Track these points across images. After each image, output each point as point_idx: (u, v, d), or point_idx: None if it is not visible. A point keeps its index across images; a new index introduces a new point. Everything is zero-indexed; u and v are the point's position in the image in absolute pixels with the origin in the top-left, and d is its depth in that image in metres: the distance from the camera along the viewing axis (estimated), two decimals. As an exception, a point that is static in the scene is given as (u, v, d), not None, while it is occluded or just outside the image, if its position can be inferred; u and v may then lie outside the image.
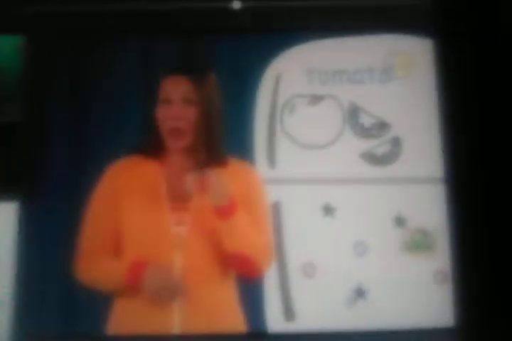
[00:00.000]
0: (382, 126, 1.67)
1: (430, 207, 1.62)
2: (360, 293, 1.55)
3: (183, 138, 1.49)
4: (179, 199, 1.45)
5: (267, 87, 1.65)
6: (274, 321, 1.52)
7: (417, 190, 1.62)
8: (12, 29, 1.64)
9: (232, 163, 1.54)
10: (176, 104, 1.50)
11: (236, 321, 1.47)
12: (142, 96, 1.59)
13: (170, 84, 1.51)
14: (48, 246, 1.54)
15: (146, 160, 1.51)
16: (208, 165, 1.49)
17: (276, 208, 1.58)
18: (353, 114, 1.66)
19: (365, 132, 1.66)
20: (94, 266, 1.45)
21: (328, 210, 1.59)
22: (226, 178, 1.47)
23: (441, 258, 1.60)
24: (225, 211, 1.40)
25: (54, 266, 1.52)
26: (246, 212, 1.47)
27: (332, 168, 1.62)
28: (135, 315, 1.43)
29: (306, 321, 1.52)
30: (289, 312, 1.52)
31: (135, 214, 1.45)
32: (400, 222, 1.60)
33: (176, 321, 1.39)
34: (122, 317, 1.45)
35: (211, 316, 1.42)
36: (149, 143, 1.54)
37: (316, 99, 1.67)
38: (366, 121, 1.66)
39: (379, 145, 1.66)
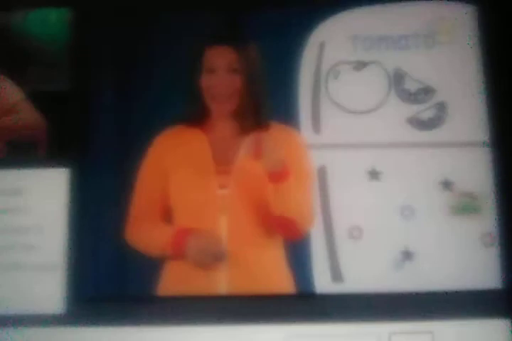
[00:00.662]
0: (427, 91, 1.67)
1: (476, 171, 1.62)
2: (407, 255, 1.56)
3: (228, 104, 1.52)
4: (224, 162, 1.49)
5: (311, 54, 1.67)
6: (322, 282, 1.54)
7: (463, 153, 1.62)
8: (59, 2, 1.70)
9: (278, 128, 1.56)
10: (221, 72, 1.53)
11: (284, 282, 1.50)
12: (187, 66, 1.62)
13: (214, 54, 1.54)
14: (98, 211, 1.58)
15: (191, 127, 1.54)
16: (253, 129, 1.53)
17: (322, 173, 1.60)
18: (398, 79, 1.66)
19: (410, 97, 1.66)
20: (143, 232, 1.50)
21: (374, 174, 1.60)
22: (277, 144, 1.49)
23: (488, 221, 1.60)
24: (279, 176, 1.43)
25: (105, 230, 1.56)
26: (292, 175, 1.49)
27: (378, 133, 1.63)
28: (183, 277, 1.47)
29: (353, 283, 1.55)
30: (336, 274, 1.54)
31: (182, 180, 1.49)
32: (446, 185, 1.61)
33: (222, 282, 1.43)
34: (171, 279, 1.49)
35: (258, 277, 1.45)
36: (194, 111, 1.57)
37: (360, 65, 1.68)
38: (411, 86, 1.66)
39: (424, 110, 1.66)
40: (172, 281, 1.49)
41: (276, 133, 1.52)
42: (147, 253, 1.50)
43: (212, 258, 1.42)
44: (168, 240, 1.45)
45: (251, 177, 1.43)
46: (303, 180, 1.50)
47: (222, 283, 1.43)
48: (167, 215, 1.53)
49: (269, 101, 1.58)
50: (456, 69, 1.67)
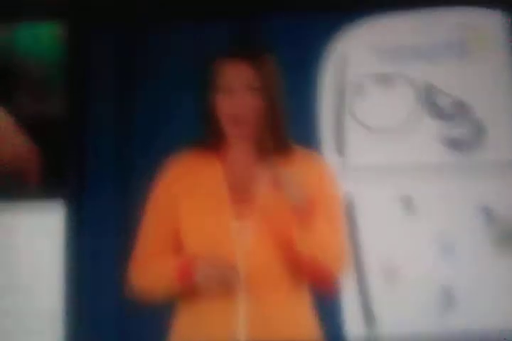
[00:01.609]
0: (461, 106, 1.51)
1: (520, 195, 1.46)
2: (449, 296, 1.39)
3: (246, 126, 1.34)
4: (241, 191, 1.31)
5: (332, 68, 1.51)
6: (354, 330, 1.37)
7: (505, 176, 1.46)
8: (50, 15, 1.54)
9: (299, 153, 1.38)
10: (239, 91, 1.35)
11: (309, 331, 1.32)
12: (196, 84, 1.46)
13: (231, 71, 1.36)
14: (99, 252, 1.43)
15: (204, 153, 1.37)
16: (274, 154, 1.35)
17: (348, 200, 1.43)
18: (427, 94, 1.50)
19: (443, 114, 1.50)
20: (151, 268, 1.33)
21: (407, 202, 1.44)
22: (299, 174, 1.31)
23: (537, 252, 1.44)
24: (304, 211, 1.25)
25: (108, 276, 1.42)
26: (318, 204, 1.31)
27: (409, 155, 1.47)
28: (196, 325, 1.30)
29: (389, 330, 1.38)
30: (370, 321, 1.37)
31: (194, 211, 1.33)
32: (487, 213, 1.44)
33: (240, 330, 1.25)
34: (183, 329, 1.32)
35: (280, 325, 1.27)
36: (207, 135, 1.40)
37: (386, 78, 1.52)
38: (443, 101, 1.50)
39: (459, 128, 1.50)
40: (184, 330, 1.32)
41: (298, 160, 1.35)
42: (155, 294, 1.34)
43: (224, 283, 1.26)
44: (176, 269, 1.30)
45: (273, 210, 1.27)
46: (332, 216, 1.33)
47: (240, 330, 1.26)
48: (177, 250, 1.38)
49: (288, 122, 1.41)
50: (490, 81, 1.51)
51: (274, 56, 1.43)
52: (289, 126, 1.41)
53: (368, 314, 1.36)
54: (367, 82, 1.50)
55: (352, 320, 1.37)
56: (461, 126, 1.49)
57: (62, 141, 1.48)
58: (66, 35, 1.53)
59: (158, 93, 1.49)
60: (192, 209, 1.32)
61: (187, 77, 1.47)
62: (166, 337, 1.32)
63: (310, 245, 1.25)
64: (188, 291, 1.29)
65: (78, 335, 1.38)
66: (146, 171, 1.41)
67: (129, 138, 1.47)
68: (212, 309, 1.27)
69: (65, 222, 1.43)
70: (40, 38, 1.54)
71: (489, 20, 1.55)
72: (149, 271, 1.33)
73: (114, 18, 1.53)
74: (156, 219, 1.36)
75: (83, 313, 1.41)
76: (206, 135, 1.38)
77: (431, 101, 1.50)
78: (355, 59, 1.51)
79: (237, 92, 1.34)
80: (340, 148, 1.46)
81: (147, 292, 1.32)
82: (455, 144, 1.48)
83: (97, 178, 1.46)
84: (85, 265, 1.43)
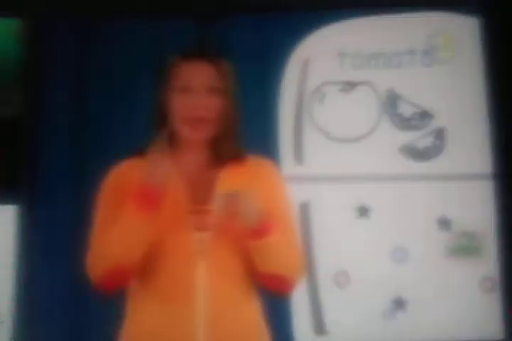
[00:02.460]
0: (424, 115, 1.48)
1: (477, 207, 1.45)
2: (400, 303, 1.40)
3: (204, 130, 1.29)
4: (200, 201, 1.28)
5: (293, 74, 1.47)
6: (304, 336, 1.38)
7: (463, 187, 1.45)
8: (8, 11, 1.49)
9: (251, 161, 1.35)
10: (199, 92, 1.30)
11: (260, 337, 1.32)
12: (154, 83, 1.41)
13: (190, 70, 1.31)
14: (52, 254, 1.41)
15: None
16: (228, 161, 1.31)
17: (305, 209, 1.42)
18: (391, 102, 1.48)
19: (404, 123, 1.47)
20: (106, 238, 1.28)
21: (363, 211, 1.43)
22: (257, 196, 1.28)
23: (488, 264, 1.43)
24: (259, 233, 1.23)
25: (60, 274, 1.40)
26: (271, 217, 1.29)
27: (368, 164, 1.45)
28: (150, 326, 1.29)
29: (339, 336, 1.38)
30: (319, 327, 1.38)
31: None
32: (444, 224, 1.43)
33: (199, 335, 1.25)
34: (134, 330, 1.31)
35: (236, 336, 1.27)
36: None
37: (349, 85, 1.49)
38: (406, 110, 1.48)
39: (421, 138, 1.47)
40: (137, 333, 1.30)
41: (250, 169, 1.32)
42: (121, 256, 1.29)
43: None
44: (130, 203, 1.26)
45: (229, 235, 1.24)
46: (287, 227, 1.31)
47: (199, 336, 1.25)
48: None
49: (244, 128, 1.38)
50: (457, 90, 1.47)
51: (231, 59, 1.39)
52: (245, 132, 1.39)
53: (318, 321, 1.37)
54: (329, 89, 1.47)
55: (302, 328, 1.37)
56: (423, 136, 1.48)
57: (16, 144, 1.44)
58: (22, 32, 1.48)
59: (113, 93, 1.46)
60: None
61: (142, 77, 1.43)
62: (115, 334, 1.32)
63: (267, 263, 1.24)
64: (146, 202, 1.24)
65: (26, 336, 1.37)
66: (99, 174, 1.38)
67: (83, 142, 1.45)
68: (170, 310, 1.26)
69: (17, 226, 1.41)
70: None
71: (462, 26, 1.52)
72: (106, 239, 1.27)
73: (70, 15, 1.48)
74: (106, 210, 1.32)
75: (34, 316, 1.39)
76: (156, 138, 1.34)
77: (394, 110, 1.48)
78: (318, 65, 1.48)
79: (195, 92, 1.28)
80: (299, 156, 1.44)
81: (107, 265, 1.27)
82: (416, 155, 1.47)
83: (50, 183, 1.44)
84: (37, 267, 1.42)
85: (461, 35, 1.51)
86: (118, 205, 1.32)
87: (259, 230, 1.24)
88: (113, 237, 1.27)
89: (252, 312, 1.33)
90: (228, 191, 1.24)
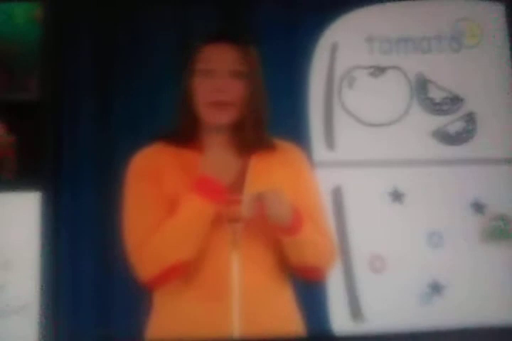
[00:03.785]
0: (454, 100, 1.48)
1: (511, 191, 1.44)
2: (436, 288, 1.38)
3: (227, 114, 1.26)
4: (230, 191, 1.25)
5: (322, 58, 1.46)
6: (340, 322, 1.35)
7: (496, 171, 1.44)
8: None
9: (279, 147, 1.32)
10: (221, 75, 1.27)
11: (293, 324, 1.29)
12: (178, 67, 1.38)
13: (213, 52, 1.28)
14: (76, 241, 1.38)
15: (180, 143, 1.29)
16: (256, 148, 1.28)
17: (338, 195, 1.40)
18: (420, 87, 1.47)
19: (435, 107, 1.47)
20: (162, 234, 1.23)
21: (396, 196, 1.41)
22: (286, 194, 1.25)
23: (524, 247, 1.43)
24: (290, 230, 1.21)
25: (85, 264, 1.37)
26: (300, 208, 1.26)
27: (399, 149, 1.43)
28: (184, 316, 1.25)
29: (375, 321, 1.36)
30: (356, 312, 1.35)
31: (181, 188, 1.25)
32: (478, 207, 1.42)
33: (235, 325, 1.21)
34: (167, 320, 1.27)
35: (270, 320, 1.24)
36: (183, 123, 1.31)
37: (378, 70, 1.48)
38: (436, 94, 1.47)
39: (452, 122, 1.47)
40: (170, 323, 1.27)
41: (280, 157, 1.29)
42: (183, 250, 1.22)
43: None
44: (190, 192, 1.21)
45: (261, 227, 1.22)
46: (318, 215, 1.29)
47: (234, 326, 1.22)
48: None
49: (272, 113, 1.36)
50: (486, 74, 1.48)
51: (258, 45, 1.37)
52: (275, 118, 1.37)
53: (355, 306, 1.34)
54: (358, 73, 1.46)
55: (338, 314, 1.34)
56: (454, 120, 1.47)
57: (39, 130, 1.40)
58: (42, 16, 1.45)
59: (138, 80, 1.43)
60: (178, 186, 1.25)
61: (167, 63, 1.40)
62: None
63: (300, 257, 1.22)
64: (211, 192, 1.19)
65: (54, 327, 1.33)
66: (124, 160, 1.34)
67: (107, 127, 1.41)
68: (205, 300, 1.22)
69: (40, 214, 1.37)
70: (15, 20, 1.46)
71: (488, 13, 1.52)
72: (163, 234, 1.22)
73: (92, 1, 1.46)
74: (144, 197, 1.28)
75: (60, 306, 1.35)
76: (182, 123, 1.30)
77: (424, 95, 1.47)
78: (347, 49, 1.47)
79: (218, 75, 1.27)
80: (330, 142, 1.42)
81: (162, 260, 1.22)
82: (447, 139, 1.45)
83: (73, 168, 1.40)
84: (62, 257, 1.38)
85: (487, 21, 1.51)
86: (153, 191, 1.29)
87: (290, 229, 1.22)
88: (173, 232, 1.23)
89: (285, 300, 1.31)
90: (255, 191, 1.21)
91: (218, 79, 1.25)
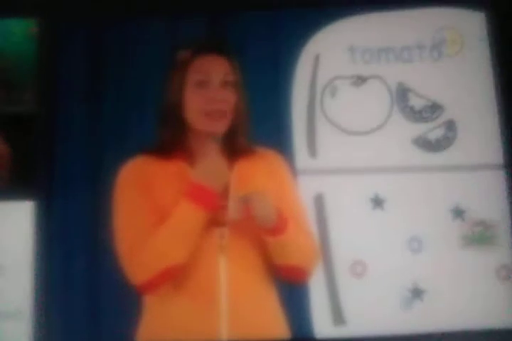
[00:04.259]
0: (434, 108, 1.51)
1: (490, 197, 1.46)
2: (416, 292, 1.41)
3: (222, 122, 1.32)
4: (221, 195, 1.29)
5: (305, 69, 1.50)
6: (322, 326, 1.38)
7: (476, 177, 1.46)
8: (23, 11, 1.52)
9: (260, 153, 1.37)
10: (215, 85, 1.32)
11: (279, 327, 1.33)
12: (168, 79, 1.43)
13: (206, 64, 1.33)
14: (69, 248, 1.43)
15: (166, 154, 1.33)
16: (240, 154, 1.33)
17: (320, 201, 1.44)
18: (401, 95, 1.50)
19: (416, 115, 1.50)
20: (155, 239, 1.27)
21: (377, 202, 1.44)
22: (270, 196, 1.29)
23: (504, 253, 1.44)
24: (275, 231, 1.25)
25: (77, 271, 1.42)
26: (284, 210, 1.31)
27: (381, 156, 1.47)
28: (173, 320, 1.29)
29: (357, 325, 1.39)
30: (337, 316, 1.38)
31: (170, 197, 1.29)
32: (458, 213, 1.45)
33: (223, 329, 1.26)
34: (158, 325, 1.31)
35: (256, 323, 1.28)
36: (172, 133, 1.35)
37: (360, 80, 1.51)
38: (417, 103, 1.50)
39: (432, 130, 1.50)
40: (159, 327, 1.31)
41: (262, 162, 1.33)
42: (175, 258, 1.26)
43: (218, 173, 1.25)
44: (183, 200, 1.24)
45: (246, 230, 1.26)
46: (300, 218, 1.33)
47: (222, 329, 1.26)
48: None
49: (255, 122, 1.40)
50: (466, 83, 1.51)
51: (242, 56, 1.42)
52: (260, 127, 1.41)
53: (336, 310, 1.38)
54: (340, 83, 1.50)
55: (320, 318, 1.38)
56: (434, 128, 1.50)
57: (34, 141, 1.46)
58: (38, 31, 1.51)
59: (129, 91, 1.48)
60: (168, 196, 1.29)
61: (156, 73, 1.45)
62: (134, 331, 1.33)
63: (284, 256, 1.26)
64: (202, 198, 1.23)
65: (45, 333, 1.38)
66: (115, 170, 1.40)
67: (99, 137, 1.46)
68: (193, 296, 1.26)
69: (34, 222, 1.42)
70: (12, 36, 1.52)
71: (469, 21, 1.54)
72: (156, 239, 1.25)
73: (86, 15, 1.51)
74: (135, 205, 1.32)
75: (52, 311, 1.40)
76: (167, 134, 1.35)
77: (404, 103, 1.50)
78: (329, 59, 1.51)
79: (212, 86, 1.32)
80: (312, 150, 1.46)
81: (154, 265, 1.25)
82: (428, 146, 1.48)
83: (65, 178, 1.45)
84: (55, 264, 1.43)
85: (468, 29, 1.54)
86: (145, 199, 1.35)
87: (275, 229, 1.27)
88: (166, 237, 1.29)
89: (271, 303, 1.35)
90: (241, 193, 1.26)
91: (212, 89, 1.31)
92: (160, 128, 1.35)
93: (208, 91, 1.34)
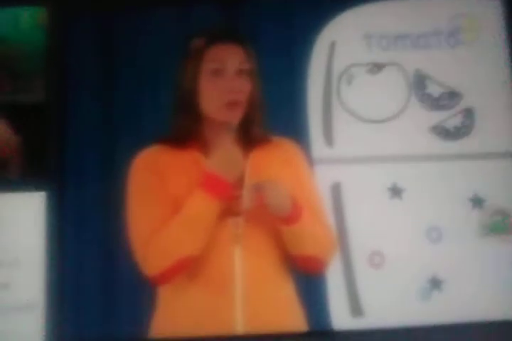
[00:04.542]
0: (452, 95, 1.49)
1: (509, 185, 1.44)
2: (435, 283, 1.38)
3: (239, 112, 1.30)
4: (233, 186, 1.26)
5: (320, 56, 1.47)
6: (340, 318, 1.36)
7: (495, 165, 1.44)
8: (31, 0, 1.49)
9: (276, 143, 1.34)
10: (231, 74, 1.30)
11: (296, 319, 1.31)
12: (183, 67, 1.40)
13: (221, 52, 1.30)
14: (81, 240, 1.40)
15: (181, 144, 1.31)
16: (256, 144, 1.31)
17: (337, 191, 1.41)
18: (419, 83, 1.48)
19: (433, 103, 1.47)
20: (169, 230, 1.25)
21: (395, 191, 1.42)
22: (285, 184, 1.27)
23: (524, 242, 1.43)
24: (289, 219, 1.23)
25: (90, 263, 1.40)
26: (300, 199, 1.28)
27: (398, 144, 1.44)
28: (188, 312, 1.27)
29: (375, 316, 1.37)
30: (355, 308, 1.36)
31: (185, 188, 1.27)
32: (477, 202, 1.42)
33: (239, 321, 1.23)
34: (171, 316, 1.29)
35: (273, 316, 1.26)
36: (186, 123, 1.33)
37: (376, 67, 1.49)
38: (434, 90, 1.47)
39: (450, 118, 1.47)
40: (174, 319, 1.29)
41: (278, 152, 1.31)
42: (190, 247, 1.24)
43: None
44: (199, 187, 1.22)
45: (262, 219, 1.24)
46: (317, 207, 1.31)
47: (238, 321, 1.24)
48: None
49: (271, 111, 1.37)
50: (484, 70, 1.49)
51: (257, 44, 1.39)
52: (275, 116, 1.39)
53: (354, 301, 1.36)
54: (356, 70, 1.47)
55: (338, 309, 1.36)
56: (452, 116, 1.47)
57: (44, 131, 1.43)
58: (47, 20, 1.48)
59: (140, 80, 1.45)
60: (182, 187, 1.27)
61: (169, 62, 1.42)
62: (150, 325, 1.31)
63: (299, 246, 1.24)
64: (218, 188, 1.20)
65: (59, 325, 1.36)
66: (128, 159, 1.37)
67: (110, 127, 1.44)
68: (209, 286, 1.24)
69: (46, 213, 1.40)
70: (20, 24, 1.50)
71: (485, 8, 1.52)
72: (170, 230, 1.23)
73: (96, 3, 1.48)
74: (149, 198, 1.30)
75: (65, 304, 1.38)
76: (182, 123, 1.33)
77: (422, 91, 1.47)
78: (345, 47, 1.48)
79: (228, 75, 1.30)
80: (329, 139, 1.43)
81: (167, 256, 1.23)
82: (446, 134, 1.46)
83: (77, 168, 1.43)
84: (67, 256, 1.41)
85: (484, 16, 1.51)
86: (155, 187, 1.33)
87: (290, 218, 1.25)
88: (180, 227, 1.26)
89: (288, 295, 1.33)
90: (255, 182, 1.24)
91: (229, 78, 1.29)
92: (174, 118, 1.33)
93: (224, 80, 1.32)
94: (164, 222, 1.25)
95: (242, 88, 1.32)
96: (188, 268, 1.24)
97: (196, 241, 1.25)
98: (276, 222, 1.27)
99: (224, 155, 1.26)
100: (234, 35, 1.37)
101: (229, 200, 1.25)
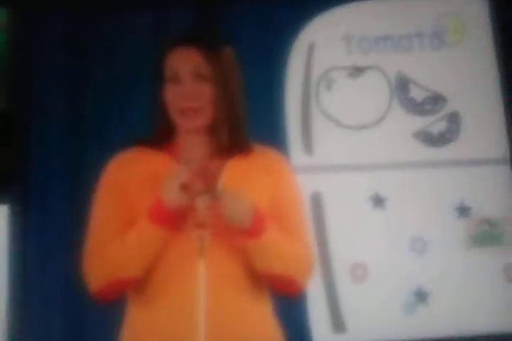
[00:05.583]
0: (436, 99, 1.42)
1: (496, 193, 1.39)
2: (420, 296, 1.33)
3: (197, 119, 1.22)
4: (203, 191, 1.20)
5: (299, 59, 1.41)
6: (322, 334, 1.30)
7: (482, 172, 1.38)
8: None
9: (257, 151, 1.28)
10: (186, 80, 1.24)
11: (270, 338, 1.24)
12: (148, 74, 1.34)
13: (177, 58, 1.25)
14: (47, 255, 1.34)
15: (153, 148, 1.25)
16: (231, 150, 1.25)
17: (317, 200, 1.35)
18: (401, 86, 1.41)
19: (417, 108, 1.41)
20: (111, 249, 1.21)
21: (378, 200, 1.36)
22: (242, 193, 1.21)
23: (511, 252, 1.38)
24: (251, 232, 1.16)
25: (54, 276, 1.34)
26: (277, 216, 1.21)
27: (380, 151, 1.38)
28: (152, 328, 1.20)
29: (358, 332, 1.31)
30: (338, 323, 1.30)
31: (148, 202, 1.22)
32: (463, 211, 1.37)
33: (201, 337, 1.17)
34: (138, 332, 1.23)
35: (241, 336, 1.19)
36: (157, 129, 1.28)
37: (357, 70, 1.43)
38: (417, 94, 1.41)
39: (434, 123, 1.41)
40: (139, 334, 1.23)
41: (257, 158, 1.25)
42: (128, 270, 1.22)
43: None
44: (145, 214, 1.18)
45: (227, 233, 1.17)
46: (292, 218, 1.24)
47: (200, 331, 1.17)
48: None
49: (248, 116, 1.31)
50: (469, 72, 1.42)
51: (234, 46, 1.32)
52: (252, 122, 1.32)
53: (336, 317, 1.30)
54: (337, 74, 1.41)
55: (319, 326, 1.30)
56: (437, 121, 1.42)
57: (6, 140, 1.37)
58: (8, 23, 1.41)
59: (110, 87, 1.39)
60: (146, 201, 1.22)
61: (140, 69, 1.35)
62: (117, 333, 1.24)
63: (264, 262, 1.17)
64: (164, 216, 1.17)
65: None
66: (94, 171, 1.31)
67: (77, 138, 1.38)
68: (170, 306, 1.18)
69: (9, 227, 1.34)
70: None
71: (471, 8, 1.46)
72: (112, 249, 1.20)
73: (64, 5, 1.41)
74: (108, 211, 1.25)
75: (29, 316, 1.32)
76: (155, 130, 1.27)
77: (405, 95, 1.42)
78: (324, 49, 1.42)
79: (183, 81, 1.23)
80: (308, 146, 1.37)
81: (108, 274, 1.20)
82: (430, 140, 1.41)
83: (42, 180, 1.37)
84: (31, 268, 1.35)
85: (470, 16, 1.46)
86: (117, 204, 1.25)
87: (251, 231, 1.16)
88: (121, 249, 1.19)
89: (261, 315, 1.24)
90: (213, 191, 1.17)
91: (184, 84, 1.22)
92: (154, 120, 1.27)
93: (179, 87, 1.25)
94: (114, 237, 1.20)
95: (200, 94, 1.23)
96: (127, 289, 1.18)
97: (137, 266, 1.18)
98: (239, 235, 1.20)
99: (188, 159, 1.19)
100: (196, 38, 1.29)
101: (177, 227, 1.19)
